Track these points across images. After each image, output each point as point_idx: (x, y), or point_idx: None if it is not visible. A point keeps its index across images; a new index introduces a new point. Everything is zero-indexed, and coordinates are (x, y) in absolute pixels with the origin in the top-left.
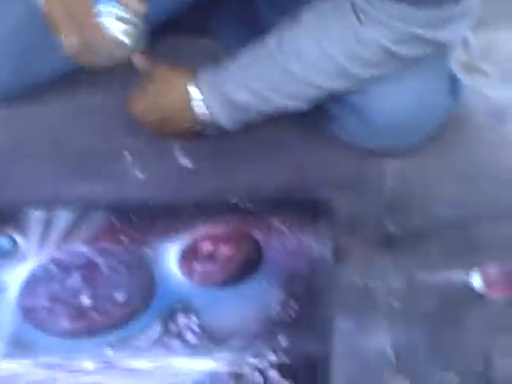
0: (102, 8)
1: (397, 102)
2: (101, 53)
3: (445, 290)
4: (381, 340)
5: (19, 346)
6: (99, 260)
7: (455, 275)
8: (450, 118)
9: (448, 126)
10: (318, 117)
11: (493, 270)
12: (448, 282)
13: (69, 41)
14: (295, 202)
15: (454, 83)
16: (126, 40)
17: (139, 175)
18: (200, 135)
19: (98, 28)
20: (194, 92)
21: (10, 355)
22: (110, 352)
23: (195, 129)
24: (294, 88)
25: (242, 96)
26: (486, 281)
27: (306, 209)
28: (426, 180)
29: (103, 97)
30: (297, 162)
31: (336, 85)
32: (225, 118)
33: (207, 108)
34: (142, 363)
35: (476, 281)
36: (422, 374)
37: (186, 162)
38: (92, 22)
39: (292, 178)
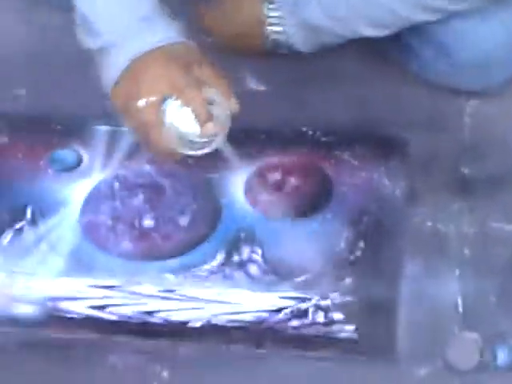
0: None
1: (482, 36)
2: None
3: None
4: (450, 288)
5: (79, 264)
6: (164, 181)
7: None
8: None
9: None
10: (396, 52)
11: None
12: None
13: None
14: (369, 138)
15: None
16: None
17: None
18: (272, 54)
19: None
20: (272, 10)
21: (69, 273)
22: (171, 277)
23: (267, 47)
24: (376, 15)
25: (321, 20)
26: None
27: (380, 145)
28: (507, 122)
29: None
30: (373, 97)
31: (420, 16)
32: (301, 40)
33: (283, 28)
34: (203, 292)
35: None
36: (491, 327)
37: (258, 85)
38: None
39: (367, 113)
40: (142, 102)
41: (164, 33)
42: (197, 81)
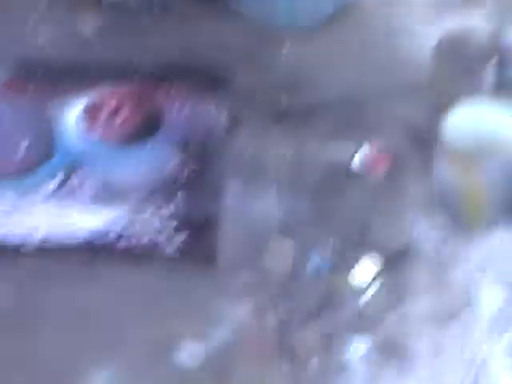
0: None
1: None
2: None
3: (330, 163)
4: (268, 204)
5: None
6: (1, 110)
7: (340, 150)
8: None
9: (342, 11)
10: None
11: (373, 148)
12: (333, 156)
13: None
14: (196, 70)
15: None
16: None
17: (43, 37)
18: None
19: None
20: None
21: None
22: (12, 197)
23: None
24: None
25: None
26: (367, 158)
27: (206, 77)
28: (316, 59)
29: None
30: (198, 33)
31: None
32: None
33: None
34: (38, 214)
35: (358, 157)
36: (306, 236)
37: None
38: None
39: (193, 47)
40: None
41: None
42: None
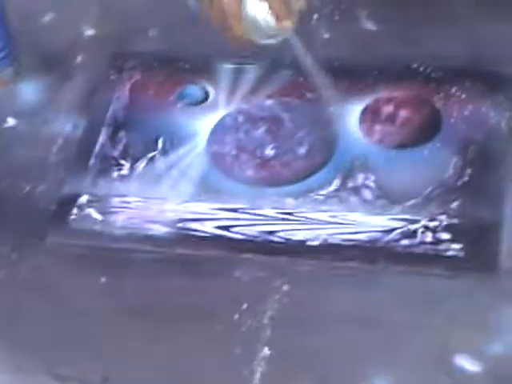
0: None
1: None
2: None
3: None
4: None
5: (207, 190)
6: (284, 114)
7: None
8: None
9: None
10: None
11: None
12: None
13: None
14: (476, 73)
15: None
16: None
17: (325, 35)
18: None
19: None
20: None
21: (198, 197)
22: (290, 201)
23: None
24: None
25: None
26: None
27: (487, 80)
28: None
29: None
30: (479, 34)
31: None
32: None
33: None
34: (319, 214)
35: None
36: None
37: (370, 25)
38: None
39: (474, 50)
40: None
41: None
42: None
